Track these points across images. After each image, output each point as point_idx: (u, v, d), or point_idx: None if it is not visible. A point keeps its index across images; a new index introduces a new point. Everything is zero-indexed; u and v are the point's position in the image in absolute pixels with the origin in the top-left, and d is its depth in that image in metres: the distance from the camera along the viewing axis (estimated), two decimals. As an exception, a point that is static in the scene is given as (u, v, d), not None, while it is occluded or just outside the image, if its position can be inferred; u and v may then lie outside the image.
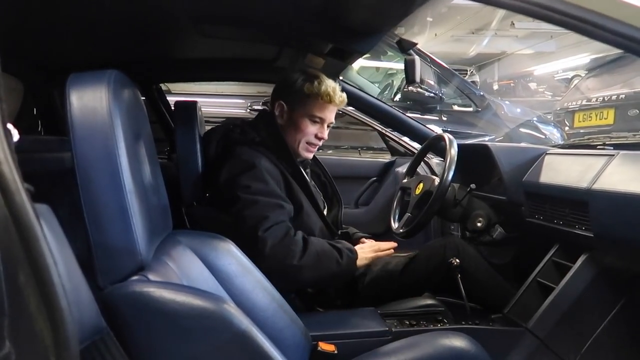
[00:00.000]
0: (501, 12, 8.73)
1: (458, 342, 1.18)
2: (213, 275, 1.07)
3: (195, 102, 1.58)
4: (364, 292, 1.55)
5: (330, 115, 1.55)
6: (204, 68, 1.94)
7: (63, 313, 0.45)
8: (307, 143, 1.56)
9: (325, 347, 1.24)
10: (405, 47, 1.39)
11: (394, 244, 1.56)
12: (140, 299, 0.69)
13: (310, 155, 1.60)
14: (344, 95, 1.54)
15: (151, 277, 0.76)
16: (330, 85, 1.51)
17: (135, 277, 0.74)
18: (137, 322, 0.69)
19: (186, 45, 1.66)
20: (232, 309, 0.71)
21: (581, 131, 4.57)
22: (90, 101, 0.74)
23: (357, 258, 1.47)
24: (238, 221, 1.35)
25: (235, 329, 0.70)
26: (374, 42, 1.35)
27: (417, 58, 1.40)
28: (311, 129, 1.53)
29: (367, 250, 1.52)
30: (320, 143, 1.58)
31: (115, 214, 0.73)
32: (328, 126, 1.58)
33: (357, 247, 1.52)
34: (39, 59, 1.67)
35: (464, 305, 1.51)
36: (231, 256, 1.13)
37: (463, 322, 1.47)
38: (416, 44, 1.39)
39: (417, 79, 1.42)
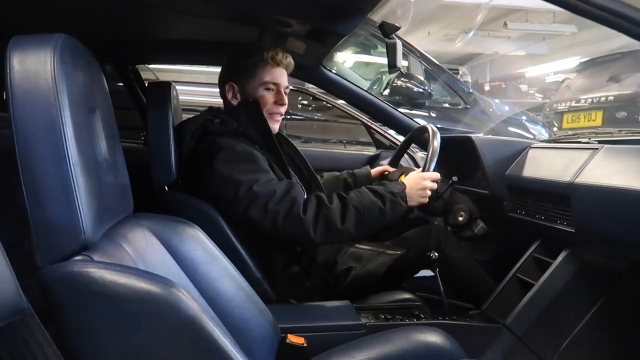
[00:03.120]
0: (494, 12, 8.74)
1: (433, 337, 1.14)
2: (176, 261, 1.02)
3: (169, 83, 1.52)
4: (343, 289, 1.50)
5: (282, 79, 1.52)
6: (182, 50, 1.86)
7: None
8: (270, 114, 1.51)
9: (295, 339, 1.20)
10: (387, 31, 1.34)
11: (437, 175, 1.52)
12: (79, 280, 0.63)
13: (277, 127, 1.56)
14: (289, 59, 1.52)
15: (96, 257, 0.70)
16: (272, 49, 1.49)
17: (77, 257, 0.68)
18: (74, 305, 0.63)
19: (161, 24, 1.60)
20: (180, 294, 0.66)
21: (569, 132, 4.57)
22: (32, 64, 0.68)
23: (405, 198, 1.44)
24: (265, 216, 1.32)
25: (182, 315, 0.65)
26: (354, 24, 1.30)
27: (399, 42, 1.35)
28: (268, 97, 1.51)
29: (414, 185, 1.47)
30: (283, 110, 1.54)
31: (57, 188, 0.67)
32: (285, 93, 1.55)
33: (405, 182, 1.48)
34: (5, 34, 1.59)
35: (441, 300, 1.47)
36: (196, 242, 1.08)
37: (440, 318, 1.43)
38: (399, 27, 1.34)
39: (399, 63, 1.37)
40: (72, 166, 0.68)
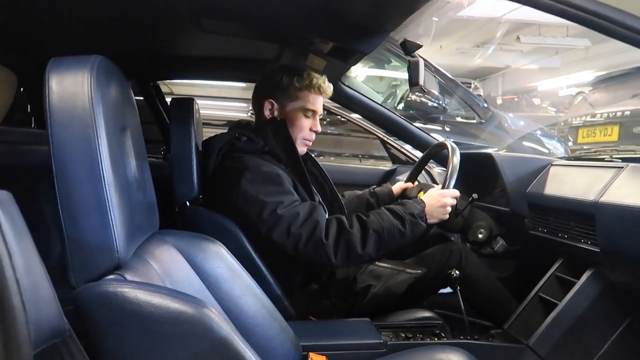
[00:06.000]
0: (507, 26, 8.74)
1: (455, 357, 1.12)
2: (200, 278, 1.02)
3: (192, 99, 1.53)
4: (362, 307, 1.49)
5: (320, 107, 1.55)
6: (203, 66, 1.89)
7: (14, 311, 0.40)
8: (303, 139, 1.54)
9: (316, 358, 1.18)
10: (409, 49, 1.34)
11: (456, 191, 1.52)
12: (113, 300, 0.63)
13: (305, 150, 1.58)
14: (331, 88, 1.55)
15: (129, 276, 0.70)
16: (319, 77, 1.51)
17: (111, 276, 0.68)
18: (109, 324, 0.64)
19: (184, 42, 1.62)
20: (212, 314, 0.66)
21: (585, 147, 4.52)
22: (70, 86, 0.70)
23: (425, 217, 1.43)
24: (288, 239, 1.33)
25: (215, 335, 0.65)
26: (377, 42, 1.31)
27: (421, 60, 1.35)
28: (306, 123, 1.53)
29: (434, 202, 1.47)
30: (314, 137, 1.57)
31: (92, 207, 0.68)
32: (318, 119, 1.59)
33: (425, 200, 1.47)
34: (33, 50, 1.62)
35: (462, 319, 1.45)
36: (220, 259, 1.08)
37: (461, 337, 1.41)
38: (421, 45, 1.35)
39: (421, 81, 1.37)
40: (107, 186, 0.69)
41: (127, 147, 0.84)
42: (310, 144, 1.58)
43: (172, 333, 0.64)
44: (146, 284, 0.70)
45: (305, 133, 1.54)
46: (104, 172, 0.69)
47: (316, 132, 1.56)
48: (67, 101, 0.69)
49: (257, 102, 1.56)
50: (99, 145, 0.69)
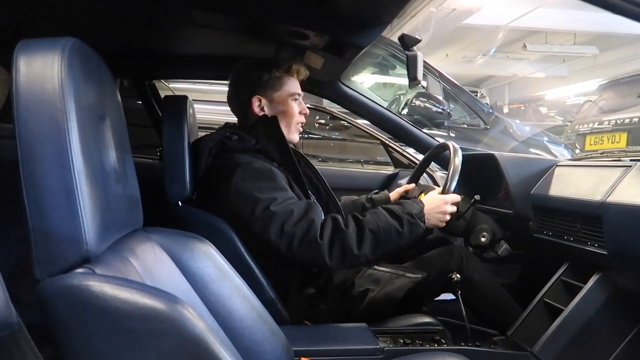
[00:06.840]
0: (513, 34, 8.71)
1: (455, 364, 1.07)
2: (186, 278, 0.98)
3: (185, 97, 1.50)
4: (360, 312, 1.44)
5: (299, 89, 1.58)
6: (199, 65, 1.86)
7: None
8: (297, 123, 1.56)
9: (308, 363, 1.14)
10: (407, 44, 1.30)
11: (457, 197, 1.48)
12: (78, 294, 0.59)
13: (297, 138, 1.59)
14: (306, 71, 1.59)
15: (99, 270, 0.66)
16: (294, 61, 1.55)
17: (79, 270, 0.64)
18: (72, 320, 0.59)
19: (179, 39, 1.59)
20: (185, 311, 0.61)
21: (592, 155, 4.45)
22: (39, 68, 0.66)
23: (423, 218, 1.39)
24: (282, 238, 1.29)
25: (187, 334, 0.60)
26: (373, 35, 1.27)
27: (419, 54, 1.31)
28: (296, 107, 1.55)
29: (434, 206, 1.43)
30: (304, 120, 1.59)
31: (59, 195, 0.63)
32: None
33: (424, 201, 1.43)
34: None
35: (464, 325, 1.40)
36: (208, 258, 1.04)
37: (462, 344, 1.36)
38: (419, 40, 1.31)
39: (420, 76, 1.33)
40: (76, 173, 0.64)
41: (105, 137, 0.80)
42: (301, 126, 1.59)
43: (141, 330, 0.59)
44: (114, 277, 0.65)
45: (298, 117, 1.55)
46: (73, 158, 0.64)
47: (304, 113, 1.57)
48: (35, 84, 0.65)
49: (241, 103, 1.53)
50: (68, 130, 0.65)
